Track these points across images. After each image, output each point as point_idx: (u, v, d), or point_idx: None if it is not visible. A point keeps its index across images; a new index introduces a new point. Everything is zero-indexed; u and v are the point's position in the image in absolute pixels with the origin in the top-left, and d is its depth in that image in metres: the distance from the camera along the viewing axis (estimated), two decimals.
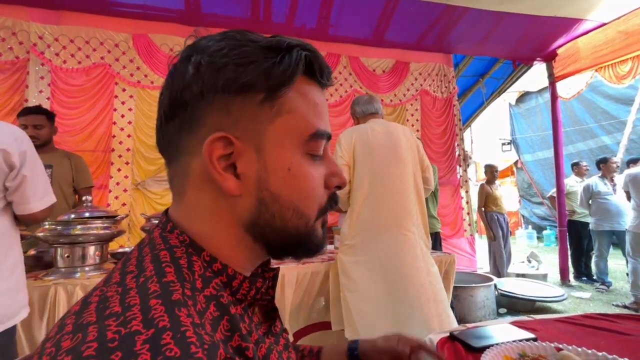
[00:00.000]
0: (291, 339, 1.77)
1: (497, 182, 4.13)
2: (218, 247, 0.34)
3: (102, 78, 3.07)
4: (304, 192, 0.36)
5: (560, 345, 0.66)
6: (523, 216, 9.75)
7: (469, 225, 3.95)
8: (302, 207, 0.36)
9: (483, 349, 0.65)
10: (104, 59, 3.08)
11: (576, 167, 4.48)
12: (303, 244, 0.38)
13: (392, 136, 1.66)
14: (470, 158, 4.11)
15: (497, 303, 3.26)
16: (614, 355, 0.61)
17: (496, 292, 3.28)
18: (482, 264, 4.64)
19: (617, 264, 4.27)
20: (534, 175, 8.96)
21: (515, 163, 9.88)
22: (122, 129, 3.13)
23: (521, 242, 8.51)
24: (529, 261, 4.50)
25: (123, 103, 3.15)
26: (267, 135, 0.33)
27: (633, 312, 0.87)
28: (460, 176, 4.00)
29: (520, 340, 0.69)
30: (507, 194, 9.47)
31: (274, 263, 1.79)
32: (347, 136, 1.64)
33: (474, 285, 3.00)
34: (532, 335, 0.73)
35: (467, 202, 3.98)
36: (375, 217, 1.56)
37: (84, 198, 1.60)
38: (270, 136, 0.34)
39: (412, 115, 3.97)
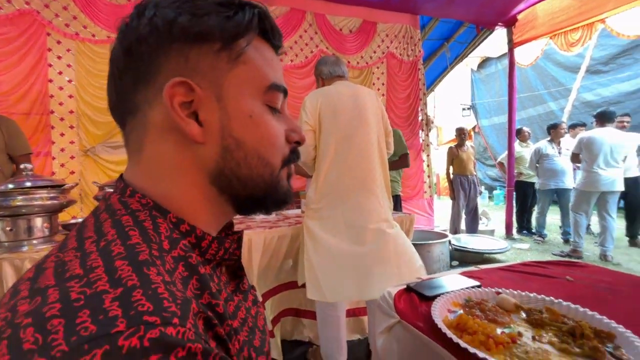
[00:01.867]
0: (260, 298, 1.83)
1: (468, 144, 4.28)
2: (184, 208, 0.34)
3: (30, 27, 2.66)
4: (266, 140, 0.36)
5: (500, 290, 0.75)
6: (478, 178, 10.48)
7: (429, 187, 4.18)
8: (266, 155, 0.36)
9: (435, 297, 0.72)
10: (30, 4, 2.65)
11: (520, 134, 4.82)
12: (270, 194, 0.38)
13: (358, 100, 1.65)
14: (432, 122, 4.25)
15: (450, 257, 3.59)
16: (542, 295, 0.70)
17: (450, 247, 3.59)
18: (440, 223, 5.01)
19: (551, 218, 4.81)
20: (489, 139, 9.53)
21: (474, 128, 10.39)
22: (61, 88, 2.79)
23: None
24: (480, 219, 4.92)
25: (59, 58, 2.77)
26: (226, 83, 0.34)
27: (567, 259, 0.98)
28: (423, 140, 4.13)
29: (467, 288, 0.77)
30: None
31: (244, 223, 1.81)
32: (312, 100, 1.60)
33: (430, 242, 3.25)
34: (477, 283, 0.81)
35: (428, 166, 4.17)
36: (340, 181, 1.58)
37: (22, 166, 1.45)
38: (229, 84, 0.34)
39: (378, 78, 3.94)
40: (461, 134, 4.19)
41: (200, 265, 0.31)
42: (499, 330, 0.60)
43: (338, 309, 1.61)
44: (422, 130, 4.12)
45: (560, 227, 4.44)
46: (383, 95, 3.95)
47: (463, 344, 0.52)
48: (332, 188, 1.59)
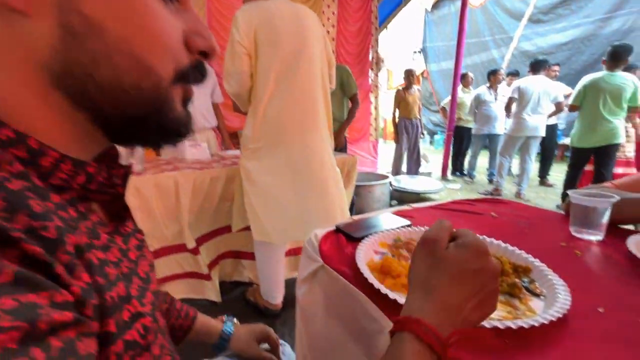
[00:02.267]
0: (193, 244, 1.72)
1: (415, 87, 4.24)
2: (9, 109, 0.25)
3: None
4: (149, 33, 0.26)
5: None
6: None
7: (375, 130, 4.19)
8: (146, 57, 0.26)
9: (362, 238, 0.66)
10: None
11: (464, 79, 4.94)
12: (152, 117, 0.29)
13: (301, 22, 1.42)
14: (383, 62, 4.10)
15: (390, 197, 3.79)
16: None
17: (390, 188, 3.77)
18: (384, 165, 5.20)
19: (481, 161, 5.26)
20: (435, 85, 9.76)
21: (422, 73, 10.48)
22: None
23: None
24: (421, 161, 5.20)
25: None
26: None
27: (491, 197, 0.99)
28: (372, 81, 4.01)
29: (397, 228, 0.73)
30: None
31: (172, 164, 1.60)
32: (246, 17, 1.33)
33: (372, 183, 3.35)
34: (407, 222, 0.78)
35: (376, 108, 4.12)
36: (282, 118, 1.42)
37: None
38: None
39: (329, 6, 3.57)
40: (409, 75, 4.14)
41: (10, 180, 0.23)
42: None
43: (276, 249, 1.57)
44: (372, 69, 3.96)
45: (487, 169, 4.88)
46: (333, 26, 3.63)
47: (384, 290, 0.47)
48: (272, 126, 1.43)
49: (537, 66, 3.86)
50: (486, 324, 0.40)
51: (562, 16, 6.80)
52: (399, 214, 0.90)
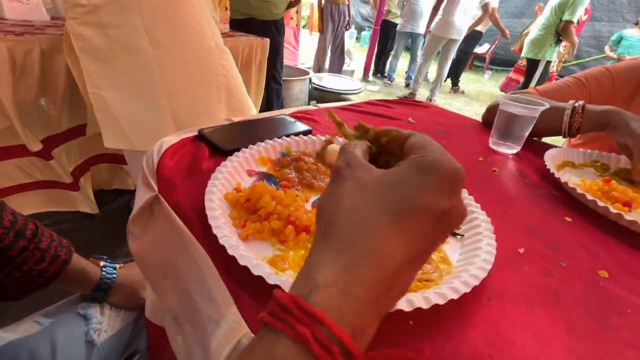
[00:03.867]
0: (39, 146, 1.26)
1: None
2: None
3: None
4: None
5: (332, 138, 0.52)
6: None
7: (297, 12, 3.55)
8: None
9: (233, 152, 0.44)
10: None
11: None
12: None
13: None
14: None
15: (309, 96, 3.52)
16: None
17: (310, 86, 3.46)
18: (306, 60, 4.70)
19: (402, 64, 5.16)
20: None
21: None
22: None
23: None
24: (344, 58, 4.84)
25: None
26: None
27: (411, 99, 0.82)
28: None
29: (289, 135, 0.51)
30: None
31: None
32: None
33: (291, 78, 2.98)
34: (306, 128, 0.57)
35: None
36: None
37: None
38: None
39: None
40: None
41: None
42: (310, 203, 0.39)
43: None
44: None
45: (406, 72, 4.85)
46: None
47: (234, 245, 0.27)
48: None
49: None
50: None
51: None
52: (299, 114, 0.68)
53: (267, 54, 1.78)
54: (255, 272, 0.25)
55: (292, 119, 0.61)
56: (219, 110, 1.15)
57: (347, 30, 3.90)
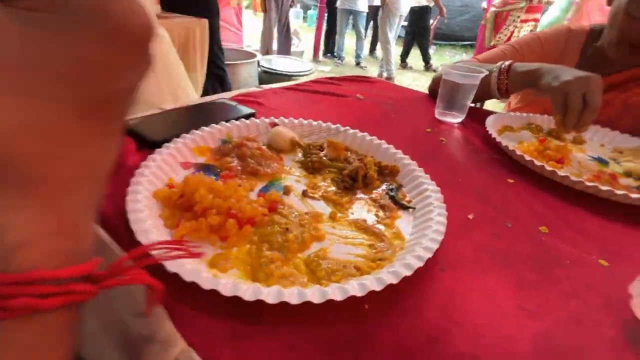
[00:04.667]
0: None
1: None
2: None
3: None
4: None
5: (277, 120, 0.49)
6: None
7: None
8: None
9: (163, 142, 0.39)
10: None
11: None
12: None
13: None
14: None
15: (259, 79, 3.38)
16: (328, 123, 0.50)
17: (259, 69, 3.33)
18: (252, 42, 4.49)
19: (349, 42, 5.13)
20: None
21: None
22: None
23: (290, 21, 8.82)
24: (292, 39, 4.70)
25: None
26: None
27: (361, 75, 0.79)
28: None
29: (230, 121, 0.47)
30: None
31: None
32: None
33: (236, 62, 2.83)
34: (249, 111, 0.53)
35: None
36: None
37: None
38: None
39: None
40: None
41: None
42: (256, 192, 0.36)
43: None
44: None
45: (355, 50, 4.84)
46: None
47: (162, 248, 0.23)
48: None
49: None
50: (337, 289, 0.23)
51: None
52: (241, 97, 0.63)
53: (208, 36, 1.65)
54: (188, 278, 0.22)
55: (233, 103, 0.56)
56: (160, 99, 1.05)
57: (291, 7, 3.76)
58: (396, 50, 4.45)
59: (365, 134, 0.48)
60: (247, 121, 0.47)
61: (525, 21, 3.36)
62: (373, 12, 4.54)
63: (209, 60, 1.79)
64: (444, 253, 0.31)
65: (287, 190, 0.36)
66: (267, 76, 3.44)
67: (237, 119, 0.49)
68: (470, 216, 0.37)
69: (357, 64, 4.70)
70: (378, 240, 0.31)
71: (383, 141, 0.46)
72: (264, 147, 0.42)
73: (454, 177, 0.45)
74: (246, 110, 0.54)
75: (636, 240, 0.38)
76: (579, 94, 0.52)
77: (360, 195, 0.38)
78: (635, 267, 0.29)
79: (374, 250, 0.30)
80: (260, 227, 0.30)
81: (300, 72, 3.56)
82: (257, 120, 0.48)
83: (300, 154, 0.44)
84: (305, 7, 9.19)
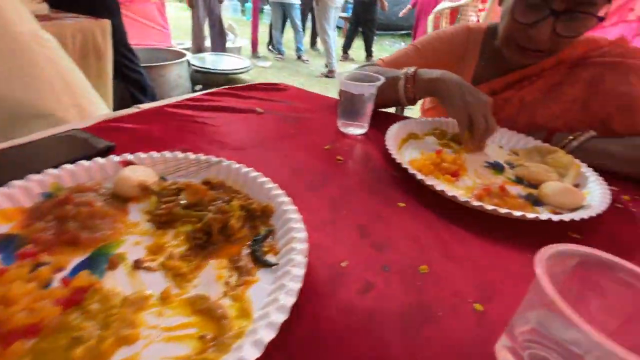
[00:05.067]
0: None
1: None
2: None
3: None
4: None
5: (132, 156, 0.40)
6: None
7: None
8: None
9: None
10: None
11: None
12: None
13: None
14: None
15: (192, 80, 3.15)
16: (198, 155, 0.43)
17: (190, 69, 3.10)
18: (183, 39, 4.18)
19: (290, 35, 5.01)
20: None
21: None
22: None
23: (225, 15, 8.37)
24: (227, 34, 4.46)
25: None
26: None
27: (272, 83, 0.72)
28: None
29: (76, 160, 0.38)
30: None
31: None
32: None
33: (163, 63, 2.60)
34: (105, 145, 0.44)
35: None
36: None
37: None
38: None
39: None
40: None
41: None
42: (69, 271, 0.28)
43: None
44: None
45: (295, 44, 4.74)
46: None
47: None
48: None
49: None
50: None
51: None
52: (105, 125, 0.53)
53: (111, 38, 1.46)
54: None
55: (86, 135, 0.46)
56: (63, 112, 0.89)
57: (221, 2, 3.55)
58: (339, 41, 4.43)
59: (241, 165, 0.41)
60: (87, 163, 0.38)
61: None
62: (309, 4, 4.46)
63: (118, 64, 1.59)
64: (298, 325, 0.26)
65: (113, 264, 0.29)
66: (202, 76, 3.23)
67: (88, 157, 0.39)
68: (344, 264, 0.32)
69: (299, 57, 4.62)
70: (214, 326, 0.25)
71: (259, 174, 0.40)
72: (99, 201, 0.34)
73: (337, 210, 0.40)
74: (102, 143, 0.45)
75: (518, 266, 0.36)
76: (481, 116, 0.54)
77: (217, 254, 0.32)
78: (511, 305, 0.27)
79: (204, 345, 0.23)
80: (44, 339, 0.22)
81: (237, 69, 3.39)
82: (102, 160, 0.39)
83: (152, 202, 0.36)
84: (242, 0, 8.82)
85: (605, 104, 0.60)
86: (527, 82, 0.68)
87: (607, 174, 0.54)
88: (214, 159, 0.42)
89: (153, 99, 2.05)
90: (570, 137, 0.59)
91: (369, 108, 0.59)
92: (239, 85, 0.80)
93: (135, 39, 3.10)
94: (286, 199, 0.37)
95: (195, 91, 3.15)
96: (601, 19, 0.54)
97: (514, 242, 0.38)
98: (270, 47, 4.84)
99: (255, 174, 0.40)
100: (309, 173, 0.47)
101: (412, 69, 0.62)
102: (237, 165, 0.41)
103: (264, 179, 0.39)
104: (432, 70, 0.61)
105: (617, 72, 0.60)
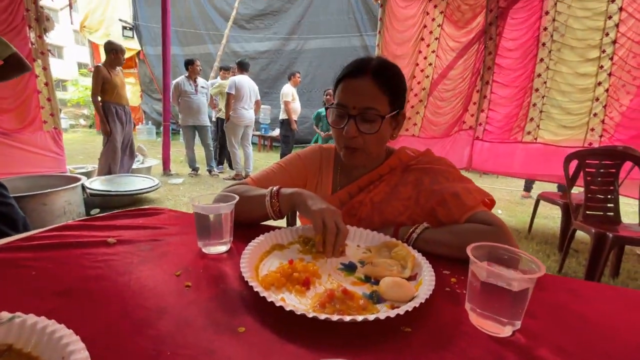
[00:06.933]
0: None
1: (118, 69, 3.45)
2: None
3: None
4: None
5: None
6: (144, 112, 9.67)
7: (51, 115, 3.01)
8: None
9: None
10: None
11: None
12: None
13: None
14: (49, 20, 2.88)
15: (88, 204, 2.89)
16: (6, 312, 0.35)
17: (85, 194, 2.86)
18: (82, 162, 3.97)
19: (202, 151, 5.18)
20: (155, 70, 8.84)
21: (138, 54, 9.18)
22: None
23: (142, 138, 8.54)
24: (136, 156, 4.44)
25: None
26: None
27: (147, 207, 0.69)
28: (33, 45, 2.79)
29: None
30: (130, 86, 8.82)
31: None
32: None
33: (45, 191, 2.36)
34: None
35: (47, 84, 2.94)
36: None
37: None
38: None
39: None
40: (119, 52, 3.30)
41: None
42: None
43: None
44: (30, 27, 2.75)
45: (206, 161, 4.88)
46: None
47: None
48: None
49: (243, 66, 4.47)
50: None
51: (260, 28, 8.03)
52: None
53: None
54: None
55: None
56: None
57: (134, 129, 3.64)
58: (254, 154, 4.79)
59: (39, 320, 0.35)
60: None
61: None
62: (220, 124, 4.94)
63: None
64: None
65: None
66: (101, 199, 2.99)
67: None
68: None
69: (209, 171, 4.80)
70: None
71: (59, 327, 0.34)
72: None
73: (161, 353, 0.36)
74: None
75: None
76: (333, 221, 0.61)
77: None
78: None
79: None
80: None
81: (144, 188, 3.26)
82: None
83: None
84: (157, 123, 9.23)
85: (428, 200, 0.73)
86: (372, 186, 0.80)
87: (443, 259, 0.62)
88: (6, 315, 0.35)
89: (25, 230, 1.78)
90: (411, 230, 0.68)
91: (226, 227, 0.60)
92: (107, 214, 0.75)
93: (26, 167, 2.85)
94: (84, 354, 0.31)
95: (91, 215, 2.86)
96: (383, 117, 0.69)
97: (355, 346, 0.38)
98: (220, 165, 5.09)
99: (53, 328, 0.34)
100: (142, 309, 0.42)
101: (275, 188, 0.71)
102: (33, 321, 0.35)
103: (63, 332, 0.33)
104: (291, 188, 0.71)
105: (429, 175, 0.76)
